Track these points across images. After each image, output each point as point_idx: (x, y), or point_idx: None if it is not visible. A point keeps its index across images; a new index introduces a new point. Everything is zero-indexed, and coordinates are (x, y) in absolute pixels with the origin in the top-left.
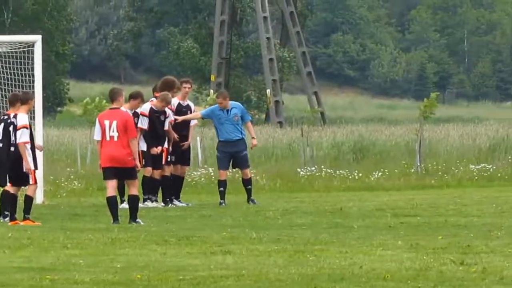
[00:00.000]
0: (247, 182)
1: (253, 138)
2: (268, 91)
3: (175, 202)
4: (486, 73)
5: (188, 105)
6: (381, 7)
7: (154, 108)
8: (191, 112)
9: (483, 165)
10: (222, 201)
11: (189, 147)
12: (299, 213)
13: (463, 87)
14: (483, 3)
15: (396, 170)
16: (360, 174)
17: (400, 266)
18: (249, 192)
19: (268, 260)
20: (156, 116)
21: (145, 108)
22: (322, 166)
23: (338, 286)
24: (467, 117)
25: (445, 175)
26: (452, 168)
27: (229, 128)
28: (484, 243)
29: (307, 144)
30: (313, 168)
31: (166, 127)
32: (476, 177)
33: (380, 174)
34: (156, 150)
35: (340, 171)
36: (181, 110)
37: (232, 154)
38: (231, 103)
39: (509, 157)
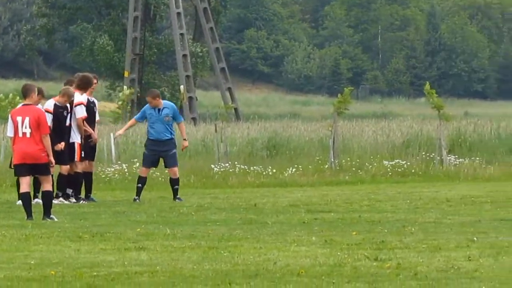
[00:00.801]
0: (175, 182)
1: (184, 139)
2: (181, 87)
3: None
4: (399, 69)
5: (93, 101)
6: (294, 3)
7: (57, 104)
8: (96, 108)
9: (397, 161)
10: (137, 197)
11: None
12: (213, 209)
13: (377, 83)
14: None
15: (310, 166)
16: (274, 170)
17: (314, 262)
18: (175, 192)
19: (182, 256)
20: (60, 112)
21: (49, 104)
22: (236, 162)
23: (252, 282)
24: (381, 113)
25: (359, 171)
26: (366, 164)
27: (160, 127)
28: (398, 239)
29: (221, 140)
30: (227, 164)
31: (68, 122)
32: (390, 173)
33: (294, 170)
34: (60, 146)
35: (254, 167)
36: (89, 106)
37: (160, 153)
38: (164, 103)
39: (423, 153)
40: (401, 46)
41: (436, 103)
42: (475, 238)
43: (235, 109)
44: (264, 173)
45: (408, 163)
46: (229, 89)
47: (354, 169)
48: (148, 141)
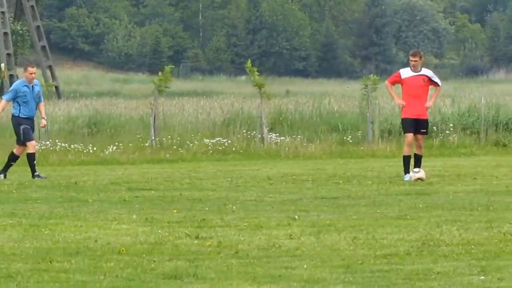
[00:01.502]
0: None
1: (43, 118)
2: (2, 65)
3: None
4: (220, 47)
5: None
6: None
7: None
8: None
9: (217, 139)
10: (37, 173)
11: None
12: (34, 187)
13: (198, 61)
14: None
15: (131, 144)
16: (95, 148)
17: (135, 240)
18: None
19: (3, 234)
20: None
21: None
22: (57, 140)
23: (73, 260)
24: (202, 91)
25: (180, 149)
26: (187, 142)
27: (33, 105)
28: (219, 217)
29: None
30: (48, 142)
31: None
32: (211, 151)
33: (115, 148)
34: None
35: (75, 145)
36: None
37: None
38: (34, 80)
39: (244, 131)
40: (222, 24)
41: (257, 81)
42: (296, 216)
43: (56, 87)
44: (85, 151)
45: (229, 141)
46: (50, 67)
47: (175, 147)
48: (20, 119)
